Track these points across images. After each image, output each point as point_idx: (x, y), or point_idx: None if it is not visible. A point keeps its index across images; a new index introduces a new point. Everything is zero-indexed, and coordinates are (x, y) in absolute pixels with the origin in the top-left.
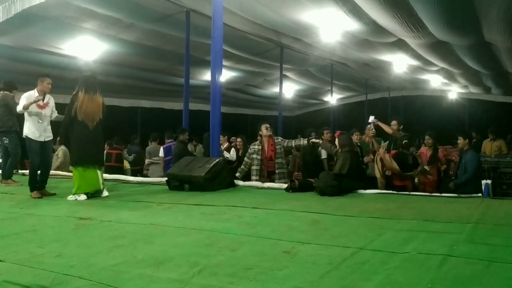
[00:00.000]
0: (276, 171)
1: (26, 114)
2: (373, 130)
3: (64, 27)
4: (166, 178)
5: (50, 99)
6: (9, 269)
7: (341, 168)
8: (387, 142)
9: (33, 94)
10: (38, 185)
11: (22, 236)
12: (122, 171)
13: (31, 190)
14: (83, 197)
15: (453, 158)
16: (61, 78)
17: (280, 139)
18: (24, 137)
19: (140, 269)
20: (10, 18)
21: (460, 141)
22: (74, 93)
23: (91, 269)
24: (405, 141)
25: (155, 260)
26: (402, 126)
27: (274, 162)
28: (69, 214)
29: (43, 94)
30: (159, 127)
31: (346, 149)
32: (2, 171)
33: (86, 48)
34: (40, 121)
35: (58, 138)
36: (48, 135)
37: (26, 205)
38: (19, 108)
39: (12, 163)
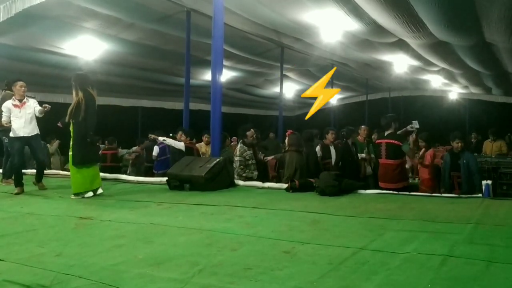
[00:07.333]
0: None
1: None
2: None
3: (65, 26)
4: (166, 178)
5: (29, 100)
6: (9, 268)
7: (287, 167)
8: None
9: (9, 102)
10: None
11: (22, 236)
12: (118, 170)
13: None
14: (89, 194)
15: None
16: (62, 78)
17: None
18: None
19: (140, 269)
20: (10, 18)
21: (459, 144)
22: (75, 94)
23: (91, 268)
24: None
25: (155, 260)
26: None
27: None
28: (69, 214)
29: (20, 97)
30: (160, 127)
31: (293, 149)
32: (2, 171)
33: (87, 47)
34: (17, 118)
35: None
36: (27, 131)
37: (26, 205)
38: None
39: (12, 163)
